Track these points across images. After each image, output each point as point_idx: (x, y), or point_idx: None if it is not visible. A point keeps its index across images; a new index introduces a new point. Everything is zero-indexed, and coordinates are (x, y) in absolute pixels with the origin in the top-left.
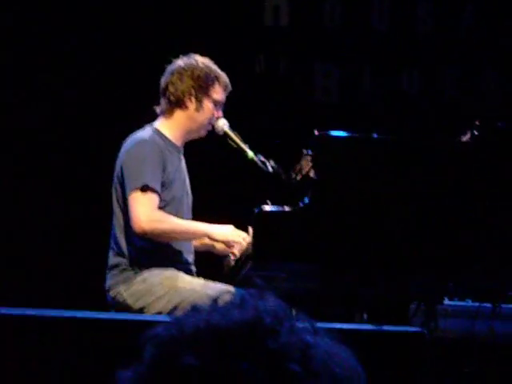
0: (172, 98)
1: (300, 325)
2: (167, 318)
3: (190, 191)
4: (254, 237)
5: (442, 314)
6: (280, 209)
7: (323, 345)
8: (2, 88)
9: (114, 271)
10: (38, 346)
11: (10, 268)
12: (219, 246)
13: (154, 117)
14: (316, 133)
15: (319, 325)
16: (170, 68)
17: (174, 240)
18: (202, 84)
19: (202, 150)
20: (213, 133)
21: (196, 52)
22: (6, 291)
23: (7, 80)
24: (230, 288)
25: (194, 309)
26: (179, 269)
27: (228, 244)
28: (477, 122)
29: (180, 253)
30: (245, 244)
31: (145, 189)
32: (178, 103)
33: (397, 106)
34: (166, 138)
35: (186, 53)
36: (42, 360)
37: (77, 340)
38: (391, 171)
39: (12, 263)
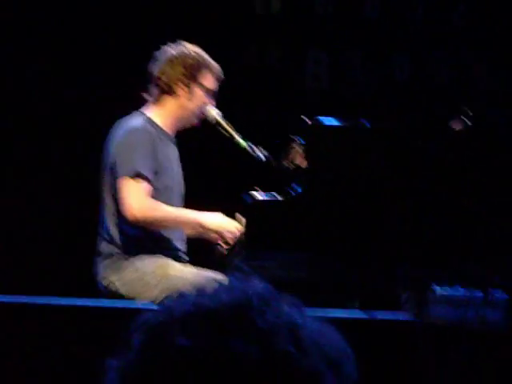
0: (163, 86)
1: (288, 307)
2: (156, 306)
3: (182, 180)
4: (247, 226)
5: (433, 301)
6: (273, 198)
7: (313, 326)
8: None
9: (106, 260)
10: (29, 334)
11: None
12: (212, 235)
13: (140, 103)
14: (308, 122)
15: (311, 312)
16: (160, 56)
17: (166, 228)
18: (193, 72)
19: (194, 139)
20: (205, 122)
21: (186, 40)
22: None
23: None
24: (222, 276)
25: (182, 295)
26: (169, 255)
27: (221, 234)
28: (466, 108)
29: (170, 240)
30: (237, 233)
31: (137, 177)
32: (170, 91)
33: (387, 92)
34: (157, 126)
35: (175, 41)
36: (33, 347)
37: (67, 327)
38: (383, 160)
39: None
